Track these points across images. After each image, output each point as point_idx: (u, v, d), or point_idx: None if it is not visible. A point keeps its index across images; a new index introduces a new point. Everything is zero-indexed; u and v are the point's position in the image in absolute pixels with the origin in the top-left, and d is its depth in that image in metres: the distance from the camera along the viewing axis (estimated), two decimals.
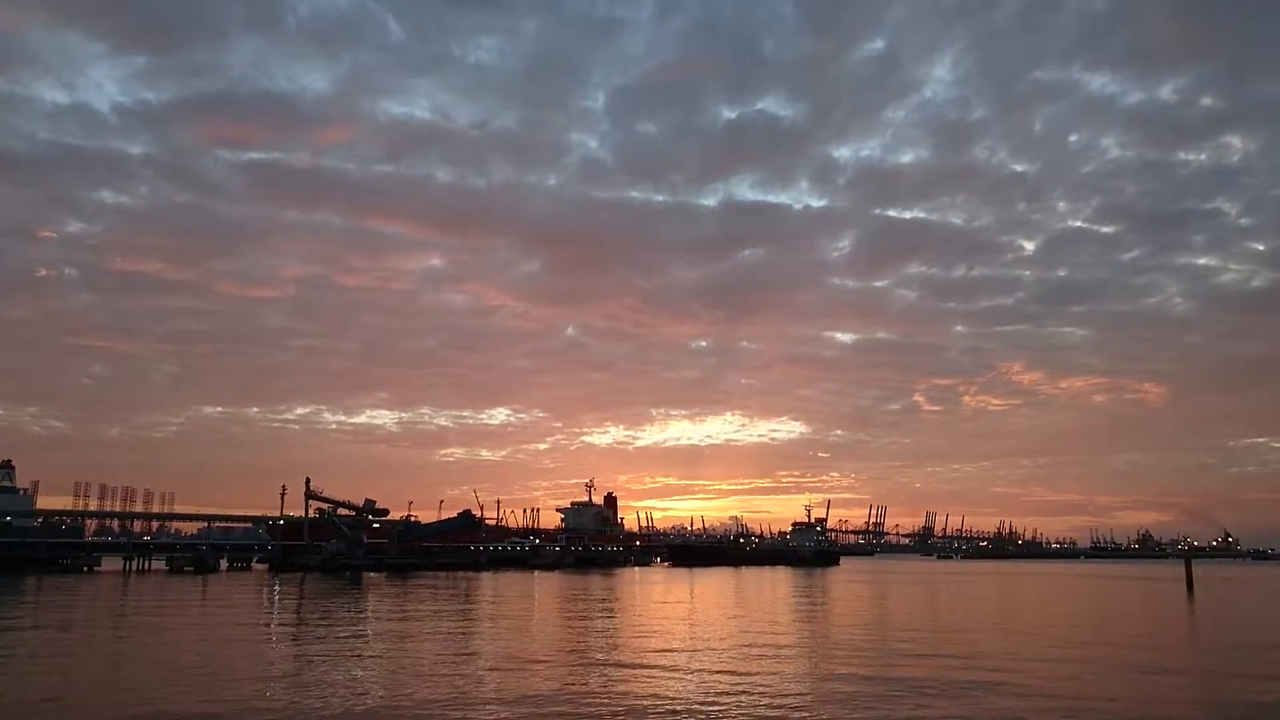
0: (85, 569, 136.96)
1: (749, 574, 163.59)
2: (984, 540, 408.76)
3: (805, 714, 27.98)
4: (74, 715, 27.39)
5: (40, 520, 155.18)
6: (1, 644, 45.19)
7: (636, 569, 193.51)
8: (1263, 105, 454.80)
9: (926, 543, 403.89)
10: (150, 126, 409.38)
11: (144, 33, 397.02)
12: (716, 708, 28.91)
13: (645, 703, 29.67)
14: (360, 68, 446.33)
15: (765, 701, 29.99)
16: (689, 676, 35.57)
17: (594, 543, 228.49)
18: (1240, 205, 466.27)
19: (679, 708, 28.84)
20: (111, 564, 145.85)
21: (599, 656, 41.75)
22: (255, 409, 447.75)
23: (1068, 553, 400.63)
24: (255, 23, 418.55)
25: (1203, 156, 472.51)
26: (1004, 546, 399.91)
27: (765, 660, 40.70)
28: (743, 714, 28.01)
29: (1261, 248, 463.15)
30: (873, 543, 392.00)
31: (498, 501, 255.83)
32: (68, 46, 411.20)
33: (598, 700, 29.99)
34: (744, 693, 31.61)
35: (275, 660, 40.69)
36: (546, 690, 31.82)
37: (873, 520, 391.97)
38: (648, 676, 35.63)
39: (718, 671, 36.98)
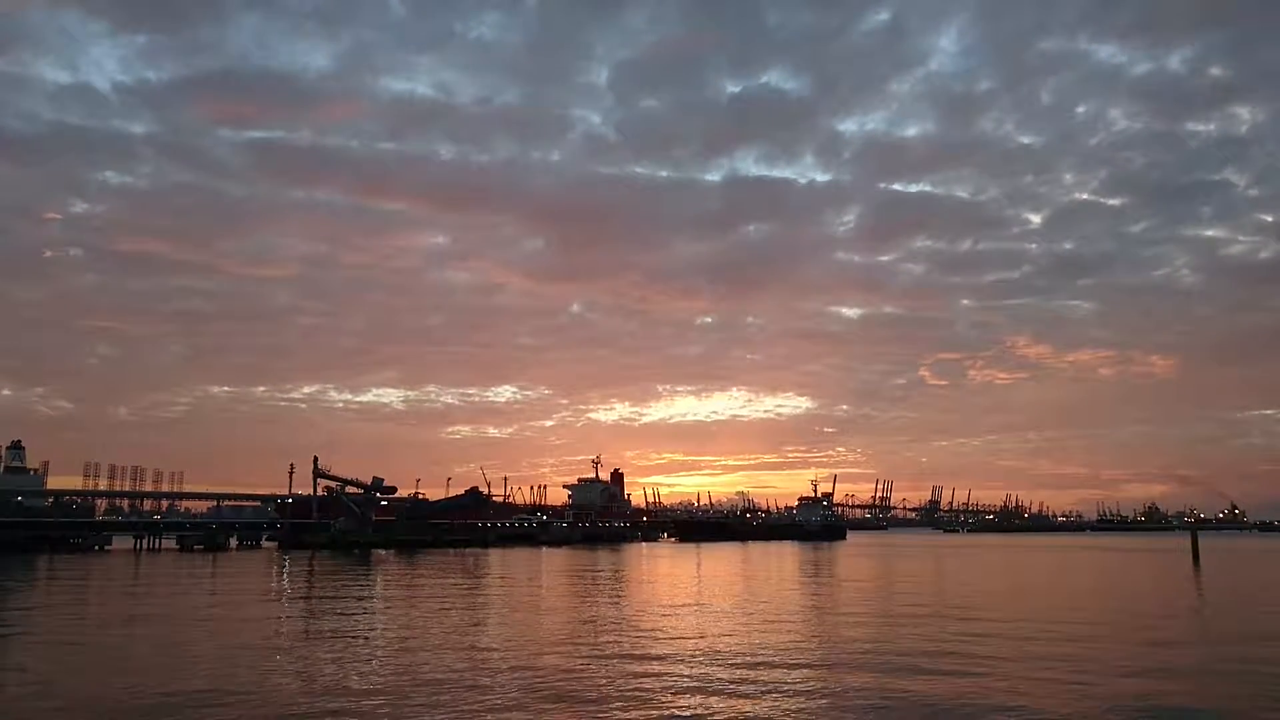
0: (97, 548, 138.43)
1: (756, 549, 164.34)
2: (991, 514, 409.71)
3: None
4: (82, 703, 27.61)
5: (51, 500, 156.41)
6: (14, 628, 45.68)
7: (643, 545, 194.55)
8: (1272, 75, 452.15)
9: (933, 516, 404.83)
10: (152, 106, 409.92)
11: (144, 11, 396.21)
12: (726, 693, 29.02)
13: (651, 683, 29.80)
14: (361, 45, 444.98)
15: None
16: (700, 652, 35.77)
17: (601, 519, 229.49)
18: (1249, 176, 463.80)
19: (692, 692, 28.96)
20: (122, 543, 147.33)
21: (607, 637, 41.91)
22: (262, 388, 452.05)
23: (1074, 526, 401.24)
24: (255, 0, 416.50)
25: (1211, 127, 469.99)
26: (1011, 520, 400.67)
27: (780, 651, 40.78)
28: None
29: (1270, 219, 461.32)
30: (880, 517, 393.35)
31: (505, 479, 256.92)
32: (68, 26, 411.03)
33: (604, 680, 30.13)
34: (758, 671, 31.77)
35: (285, 640, 40.99)
36: (554, 667, 32.04)
37: (879, 495, 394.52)
38: (657, 655, 35.82)
39: (726, 655, 37.09)
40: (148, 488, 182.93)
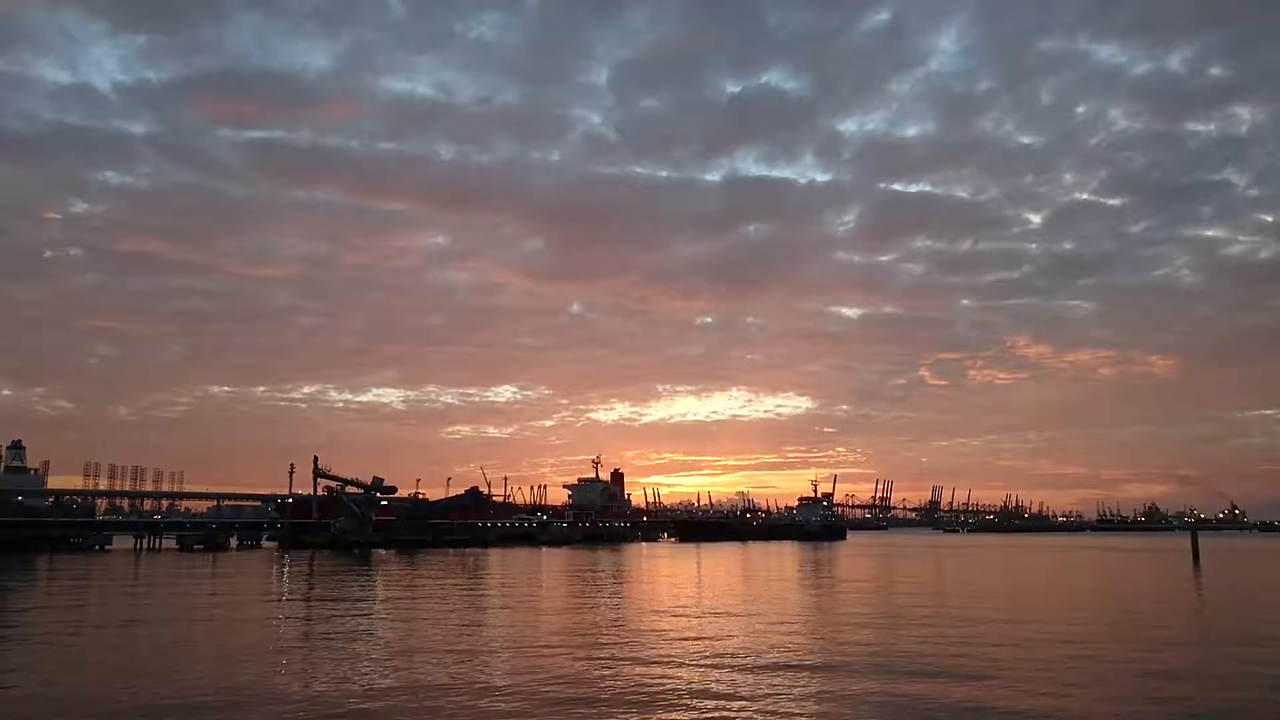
0: (97, 547, 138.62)
1: (756, 549, 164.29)
2: (991, 514, 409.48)
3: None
4: (84, 704, 27.60)
5: (51, 500, 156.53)
6: (14, 628, 45.68)
7: (643, 545, 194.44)
8: (1272, 75, 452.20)
9: (933, 517, 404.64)
10: (152, 106, 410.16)
11: (144, 11, 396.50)
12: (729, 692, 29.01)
13: (655, 684, 29.79)
14: (361, 45, 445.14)
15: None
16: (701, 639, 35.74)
17: (601, 519, 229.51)
18: (1249, 176, 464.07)
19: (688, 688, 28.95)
20: (123, 542, 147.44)
21: (606, 638, 41.93)
22: (262, 388, 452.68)
23: (1074, 526, 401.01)
24: (255, 0, 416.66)
25: (1211, 127, 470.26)
26: (1011, 520, 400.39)
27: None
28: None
29: (1270, 219, 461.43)
30: (880, 517, 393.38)
31: (505, 479, 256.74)
32: (68, 26, 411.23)
33: (604, 683, 30.11)
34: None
35: (285, 641, 40.97)
36: (553, 670, 32.02)
37: (879, 495, 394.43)
38: (658, 653, 35.81)
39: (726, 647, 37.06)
40: (148, 488, 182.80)
